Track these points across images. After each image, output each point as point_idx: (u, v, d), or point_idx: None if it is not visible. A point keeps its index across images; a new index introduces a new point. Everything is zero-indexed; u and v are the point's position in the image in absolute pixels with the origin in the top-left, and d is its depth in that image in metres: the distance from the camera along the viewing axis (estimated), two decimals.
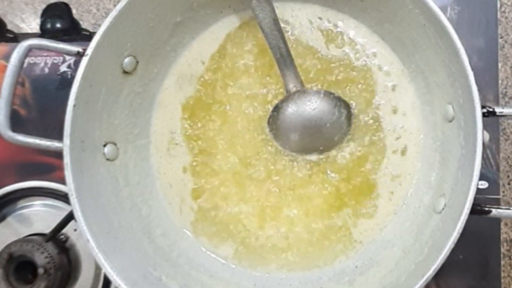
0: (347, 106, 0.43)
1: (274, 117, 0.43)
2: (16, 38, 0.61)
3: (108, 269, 0.37)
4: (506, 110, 0.37)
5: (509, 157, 0.84)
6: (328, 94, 0.42)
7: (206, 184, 0.45)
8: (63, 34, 0.56)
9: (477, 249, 0.50)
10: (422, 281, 0.35)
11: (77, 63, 0.41)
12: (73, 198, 0.37)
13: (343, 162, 0.44)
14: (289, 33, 0.45)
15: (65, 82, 0.53)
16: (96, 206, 0.39)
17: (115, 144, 0.43)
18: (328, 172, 0.44)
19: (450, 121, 0.40)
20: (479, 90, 0.36)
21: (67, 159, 0.37)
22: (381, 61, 0.45)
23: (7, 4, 0.96)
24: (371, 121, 0.44)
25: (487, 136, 0.51)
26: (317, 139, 0.43)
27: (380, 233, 0.44)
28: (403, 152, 0.44)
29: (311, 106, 0.42)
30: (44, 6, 0.58)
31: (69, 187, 0.37)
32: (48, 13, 0.57)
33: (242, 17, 0.45)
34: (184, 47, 0.46)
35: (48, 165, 0.52)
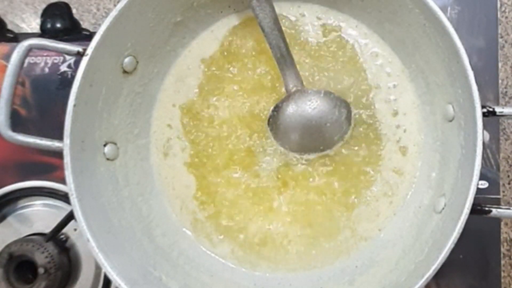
0: (347, 106, 0.43)
1: (274, 117, 0.43)
2: (16, 38, 0.61)
3: (108, 269, 0.37)
4: (506, 110, 0.37)
5: (509, 157, 0.84)
6: (328, 94, 0.42)
7: (206, 184, 0.45)
8: (63, 34, 0.56)
9: (477, 249, 0.50)
10: (422, 281, 0.35)
11: (77, 63, 0.41)
12: (73, 198, 0.37)
13: (343, 161, 0.44)
14: (289, 32, 0.45)
15: (65, 82, 0.53)
16: (96, 206, 0.39)
17: (115, 144, 0.43)
18: (329, 171, 0.44)
19: (450, 121, 0.40)
20: (479, 89, 0.36)
21: (67, 159, 0.37)
22: (381, 61, 0.45)
23: (7, 4, 0.96)
24: (371, 121, 0.44)
25: (487, 136, 0.51)
26: (317, 139, 0.43)
27: (380, 233, 0.44)
28: (403, 152, 0.44)
29: (311, 106, 0.42)
30: (44, 6, 0.58)
31: (69, 187, 0.37)
32: (48, 13, 0.57)
33: (242, 17, 0.45)
34: (184, 47, 0.46)
35: (48, 165, 0.52)
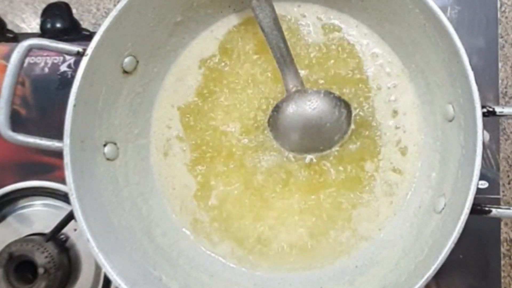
0: (347, 105, 0.43)
1: (274, 117, 0.43)
2: (16, 38, 0.61)
3: (108, 269, 0.37)
4: (506, 110, 0.37)
5: (509, 157, 0.84)
6: (328, 93, 0.42)
7: (206, 184, 0.45)
8: (63, 34, 0.56)
9: (477, 249, 0.50)
10: (422, 281, 0.35)
11: (77, 63, 0.41)
12: (73, 198, 0.37)
13: (343, 161, 0.44)
14: (289, 32, 0.45)
15: (65, 82, 0.53)
16: (96, 206, 0.39)
17: (115, 144, 0.43)
18: (329, 171, 0.44)
19: (450, 120, 0.40)
20: (479, 89, 0.36)
21: (67, 159, 0.37)
22: (381, 61, 0.45)
23: (7, 4, 0.96)
24: (371, 121, 0.44)
25: (487, 136, 0.51)
26: (317, 139, 0.43)
27: (380, 233, 0.44)
28: (403, 152, 0.44)
29: (311, 106, 0.42)
30: (44, 6, 0.58)
31: (69, 187, 0.37)
32: (48, 13, 0.57)
33: (242, 17, 0.45)
34: (184, 47, 0.46)
35: (48, 165, 0.52)
